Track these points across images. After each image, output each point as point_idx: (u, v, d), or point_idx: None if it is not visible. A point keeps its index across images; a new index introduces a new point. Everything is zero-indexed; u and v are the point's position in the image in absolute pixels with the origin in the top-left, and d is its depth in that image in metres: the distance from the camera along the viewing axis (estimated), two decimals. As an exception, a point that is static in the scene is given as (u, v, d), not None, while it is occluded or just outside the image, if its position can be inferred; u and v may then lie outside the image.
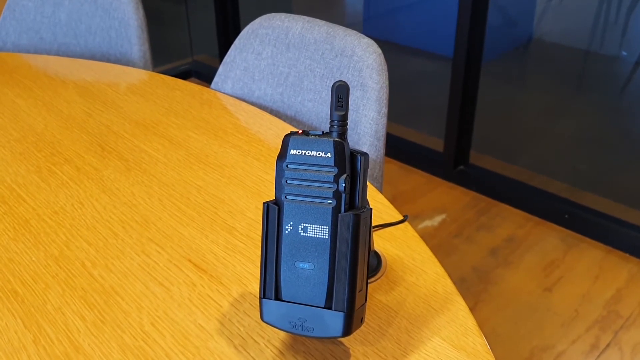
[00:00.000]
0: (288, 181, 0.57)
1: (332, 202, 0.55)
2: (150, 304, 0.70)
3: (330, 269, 0.56)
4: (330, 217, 0.55)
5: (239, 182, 0.94)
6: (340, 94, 0.56)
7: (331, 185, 0.55)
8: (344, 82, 0.56)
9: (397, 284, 0.72)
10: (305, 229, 0.56)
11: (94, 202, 0.89)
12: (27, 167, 0.99)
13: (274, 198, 0.58)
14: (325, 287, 0.56)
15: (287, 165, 0.57)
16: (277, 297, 0.58)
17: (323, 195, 0.55)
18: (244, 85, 1.34)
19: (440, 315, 0.67)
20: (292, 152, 0.57)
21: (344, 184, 0.55)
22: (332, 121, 0.57)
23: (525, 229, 2.11)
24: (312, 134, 0.57)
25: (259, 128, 1.11)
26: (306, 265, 0.56)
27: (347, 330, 0.56)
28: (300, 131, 0.58)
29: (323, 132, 0.57)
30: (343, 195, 0.55)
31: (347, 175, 0.55)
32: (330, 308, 0.56)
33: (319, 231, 0.56)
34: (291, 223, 0.57)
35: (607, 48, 2.70)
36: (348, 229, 0.55)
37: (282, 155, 0.57)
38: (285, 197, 0.57)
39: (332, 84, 0.58)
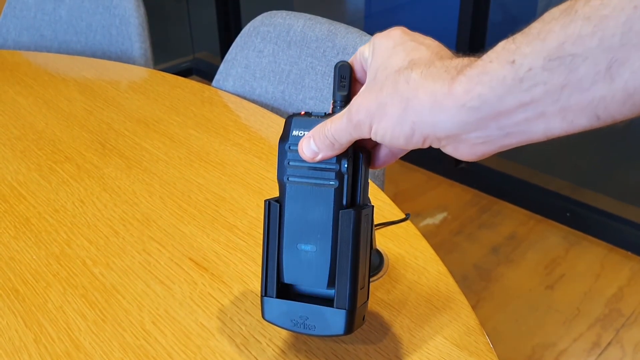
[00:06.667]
0: (290, 163, 0.56)
1: (334, 184, 0.54)
2: (152, 303, 0.69)
3: (332, 250, 0.55)
4: (332, 199, 0.55)
5: (240, 180, 0.93)
6: (343, 74, 0.55)
7: (333, 167, 0.55)
8: (347, 62, 0.55)
9: (399, 282, 0.71)
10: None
11: (95, 200, 0.89)
12: (27, 165, 0.98)
13: (276, 180, 0.57)
14: (328, 269, 0.55)
15: (289, 147, 0.56)
16: (279, 283, 0.57)
17: (325, 177, 0.55)
18: (245, 83, 1.33)
19: (443, 314, 0.66)
20: (295, 133, 0.56)
21: (346, 165, 0.54)
22: (334, 102, 0.56)
23: (527, 226, 2.11)
24: (315, 115, 0.56)
25: (260, 126, 1.11)
26: (308, 247, 0.56)
27: (349, 328, 0.55)
28: (302, 112, 0.57)
29: (326, 113, 0.56)
30: (345, 176, 0.54)
31: (350, 157, 0.54)
32: (332, 305, 0.55)
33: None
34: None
35: (608, 45, 2.69)
36: (349, 225, 0.54)
37: (285, 136, 0.56)
38: (288, 179, 0.56)
39: (334, 64, 0.56)
